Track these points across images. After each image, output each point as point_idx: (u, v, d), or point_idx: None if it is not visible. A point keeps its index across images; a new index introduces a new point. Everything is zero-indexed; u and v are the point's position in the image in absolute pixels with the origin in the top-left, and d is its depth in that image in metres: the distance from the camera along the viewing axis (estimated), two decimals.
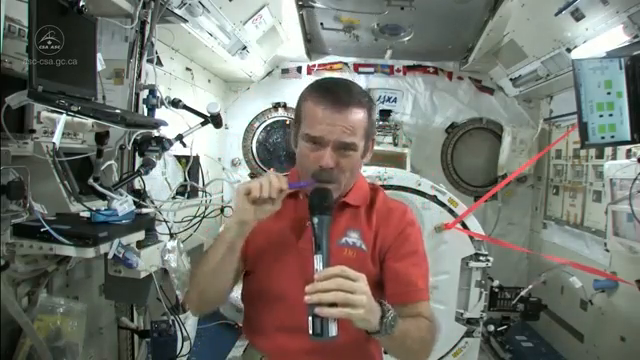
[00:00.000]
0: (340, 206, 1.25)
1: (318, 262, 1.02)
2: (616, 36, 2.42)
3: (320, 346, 1.04)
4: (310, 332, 0.97)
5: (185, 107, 2.05)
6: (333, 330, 0.96)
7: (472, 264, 2.78)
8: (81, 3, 1.46)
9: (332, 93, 1.15)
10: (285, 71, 4.44)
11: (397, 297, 1.20)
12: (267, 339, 1.27)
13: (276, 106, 4.43)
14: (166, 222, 1.91)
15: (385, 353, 1.37)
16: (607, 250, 2.85)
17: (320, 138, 1.13)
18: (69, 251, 1.38)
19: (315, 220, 1.07)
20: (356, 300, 0.95)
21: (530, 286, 3.10)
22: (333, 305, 0.94)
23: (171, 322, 1.92)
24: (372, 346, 1.30)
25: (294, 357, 1.23)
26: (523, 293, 3.18)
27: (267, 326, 1.26)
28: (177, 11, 2.31)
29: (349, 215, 1.26)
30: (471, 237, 2.79)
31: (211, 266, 1.16)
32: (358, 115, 1.15)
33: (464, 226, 2.80)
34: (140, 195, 1.81)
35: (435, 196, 2.81)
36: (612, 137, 2.34)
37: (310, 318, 0.96)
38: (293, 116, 1.34)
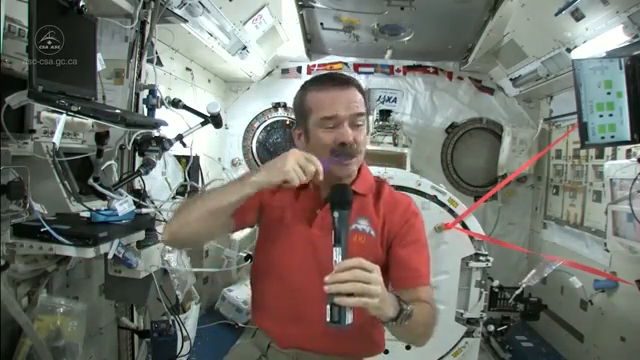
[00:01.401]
0: None
1: (337, 254, 1.07)
2: (616, 36, 2.42)
3: (326, 332, 1.08)
4: (328, 319, 1.01)
5: (185, 107, 2.05)
6: (349, 318, 1.01)
7: (472, 264, 2.78)
8: (81, 3, 1.46)
9: (331, 78, 1.27)
10: (285, 71, 4.44)
11: (402, 281, 1.27)
12: (275, 323, 1.31)
13: (276, 106, 4.43)
14: (166, 222, 1.91)
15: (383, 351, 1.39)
16: (607, 250, 2.84)
17: (337, 116, 1.21)
18: (69, 251, 1.38)
19: (336, 215, 1.11)
20: (372, 290, 1.00)
21: (524, 284, 3.09)
22: (350, 295, 0.99)
23: (171, 322, 1.92)
24: (376, 331, 1.35)
25: (300, 342, 1.28)
26: (518, 292, 3.17)
27: (275, 311, 1.31)
28: (177, 11, 2.32)
29: (358, 203, 1.31)
30: (471, 237, 2.79)
31: (214, 205, 1.16)
32: (358, 92, 1.26)
33: (464, 226, 2.80)
34: (140, 195, 1.81)
35: (435, 196, 2.81)
36: (612, 137, 2.34)
37: (328, 306, 1.01)
38: (295, 117, 1.39)
